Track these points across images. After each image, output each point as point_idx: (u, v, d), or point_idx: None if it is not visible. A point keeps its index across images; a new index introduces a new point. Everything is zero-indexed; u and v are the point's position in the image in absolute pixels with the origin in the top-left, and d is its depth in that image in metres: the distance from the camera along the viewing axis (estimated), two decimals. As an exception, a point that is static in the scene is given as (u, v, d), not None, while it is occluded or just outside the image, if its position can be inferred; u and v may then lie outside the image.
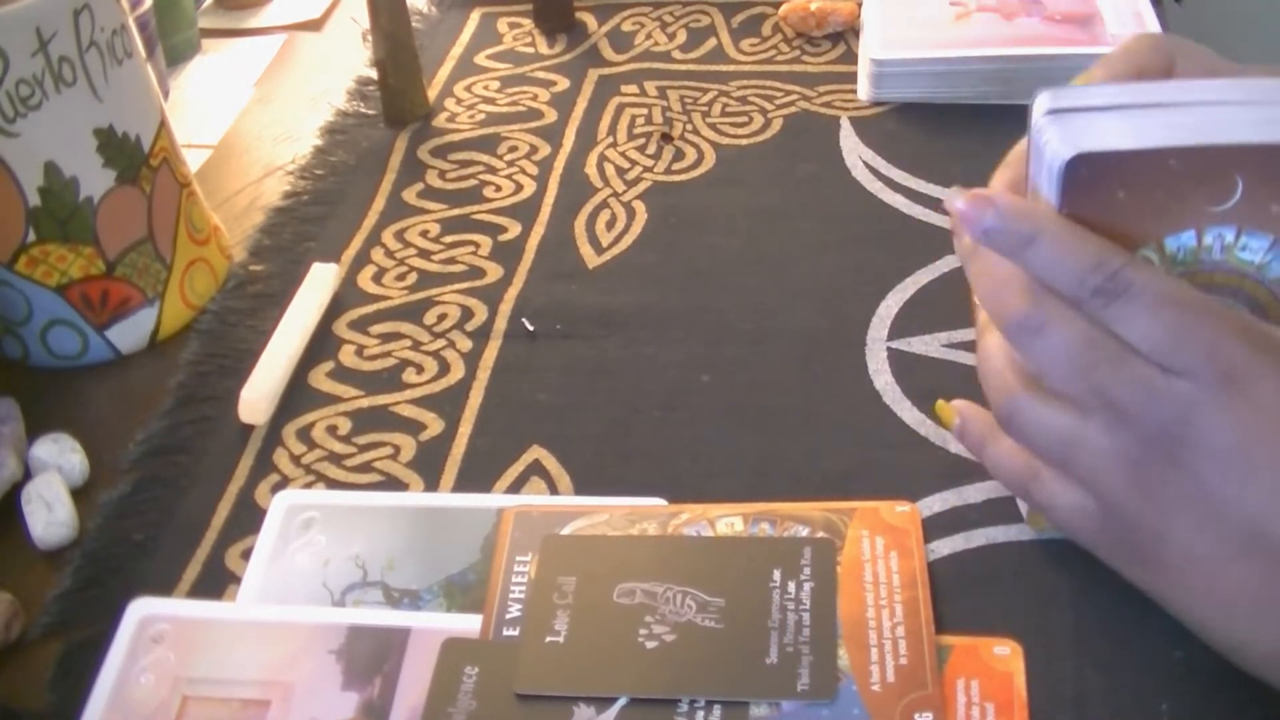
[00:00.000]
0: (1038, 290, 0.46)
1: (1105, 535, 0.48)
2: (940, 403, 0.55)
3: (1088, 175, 0.45)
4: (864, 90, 0.82)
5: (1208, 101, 0.46)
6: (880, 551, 0.51)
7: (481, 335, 0.66)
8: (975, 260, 0.48)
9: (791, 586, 0.50)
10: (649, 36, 0.90)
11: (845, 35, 0.88)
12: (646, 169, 0.77)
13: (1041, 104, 0.46)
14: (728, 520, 0.53)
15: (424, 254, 0.72)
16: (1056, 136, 0.45)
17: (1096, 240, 0.45)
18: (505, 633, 0.49)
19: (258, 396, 0.62)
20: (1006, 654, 0.48)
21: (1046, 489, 0.49)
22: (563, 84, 0.86)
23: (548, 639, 0.49)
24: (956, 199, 0.47)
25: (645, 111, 0.82)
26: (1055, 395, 0.47)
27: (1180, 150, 0.44)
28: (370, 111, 0.84)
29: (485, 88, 0.86)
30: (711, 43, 0.89)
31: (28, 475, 0.59)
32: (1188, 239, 0.46)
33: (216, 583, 0.54)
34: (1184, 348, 0.43)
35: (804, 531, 0.52)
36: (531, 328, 0.67)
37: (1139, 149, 0.44)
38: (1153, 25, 0.80)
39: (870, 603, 0.49)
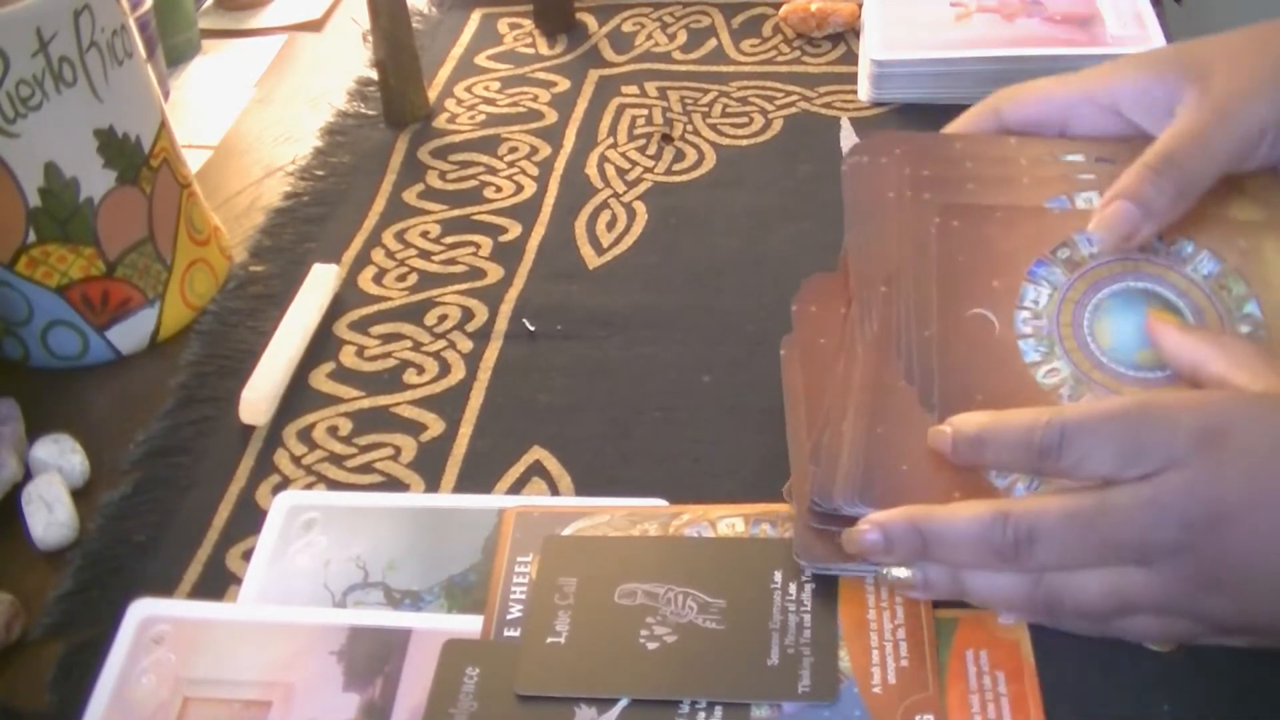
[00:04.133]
0: (985, 539, 0.45)
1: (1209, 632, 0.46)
2: None
3: None
4: (864, 91, 0.82)
5: None
6: (881, 552, 0.51)
7: (482, 336, 0.66)
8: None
9: (793, 588, 0.50)
10: (649, 37, 0.90)
11: (845, 36, 0.88)
12: (647, 169, 0.77)
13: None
14: (729, 521, 0.53)
15: (424, 255, 0.72)
16: None
17: (1017, 410, 0.46)
18: (506, 633, 0.49)
19: (258, 397, 0.62)
20: (1011, 622, 0.48)
21: (1136, 625, 0.46)
22: (563, 85, 0.86)
23: (549, 640, 0.49)
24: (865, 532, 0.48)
25: (646, 112, 0.82)
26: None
27: None
28: (370, 112, 0.84)
29: (486, 88, 0.86)
30: (712, 43, 0.89)
31: (28, 476, 0.59)
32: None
33: (217, 583, 0.54)
34: (1143, 447, 0.43)
35: (805, 532, 0.52)
36: (532, 328, 0.67)
37: None
38: (1153, 26, 0.80)
39: (871, 604, 0.49)
